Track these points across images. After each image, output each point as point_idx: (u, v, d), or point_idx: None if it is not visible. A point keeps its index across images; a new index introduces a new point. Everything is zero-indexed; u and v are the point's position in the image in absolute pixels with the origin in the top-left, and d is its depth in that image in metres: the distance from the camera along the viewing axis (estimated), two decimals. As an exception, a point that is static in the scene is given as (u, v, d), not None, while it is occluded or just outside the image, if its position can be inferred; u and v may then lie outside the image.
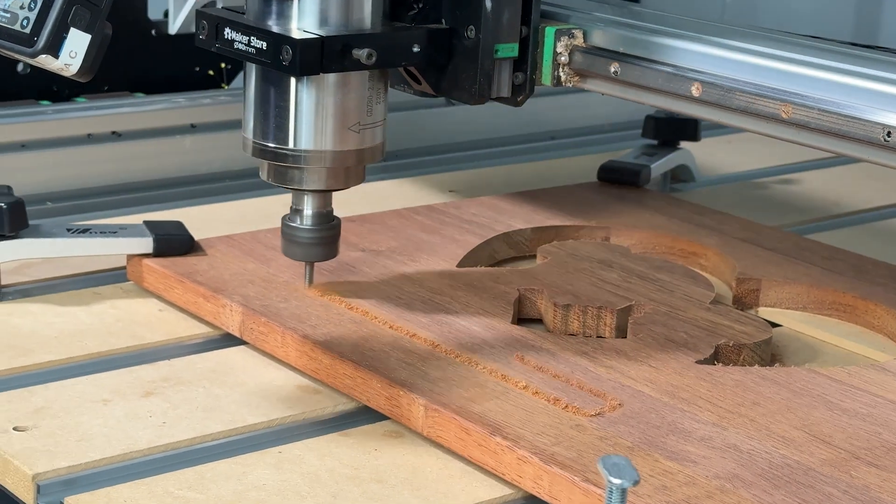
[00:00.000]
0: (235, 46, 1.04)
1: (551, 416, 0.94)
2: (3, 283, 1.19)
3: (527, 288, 1.16)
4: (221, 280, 1.15)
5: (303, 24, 1.02)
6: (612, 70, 1.10)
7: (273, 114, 1.04)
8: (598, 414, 0.95)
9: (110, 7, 0.95)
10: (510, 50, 1.10)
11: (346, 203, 1.19)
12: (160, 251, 1.20)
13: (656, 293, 1.16)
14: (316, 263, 1.13)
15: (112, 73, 1.59)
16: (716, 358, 1.06)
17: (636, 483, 0.69)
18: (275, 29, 1.02)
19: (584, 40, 1.12)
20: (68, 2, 0.93)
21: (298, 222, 1.09)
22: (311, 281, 1.12)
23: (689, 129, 1.53)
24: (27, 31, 0.94)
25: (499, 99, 1.12)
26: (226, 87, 1.63)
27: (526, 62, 1.11)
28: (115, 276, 1.23)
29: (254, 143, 1.05)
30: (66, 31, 0.94)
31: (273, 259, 1.19)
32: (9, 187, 1.19)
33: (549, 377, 1.00)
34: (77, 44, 0.94)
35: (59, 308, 1.16)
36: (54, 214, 1.39)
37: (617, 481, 0.69)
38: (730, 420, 0.95)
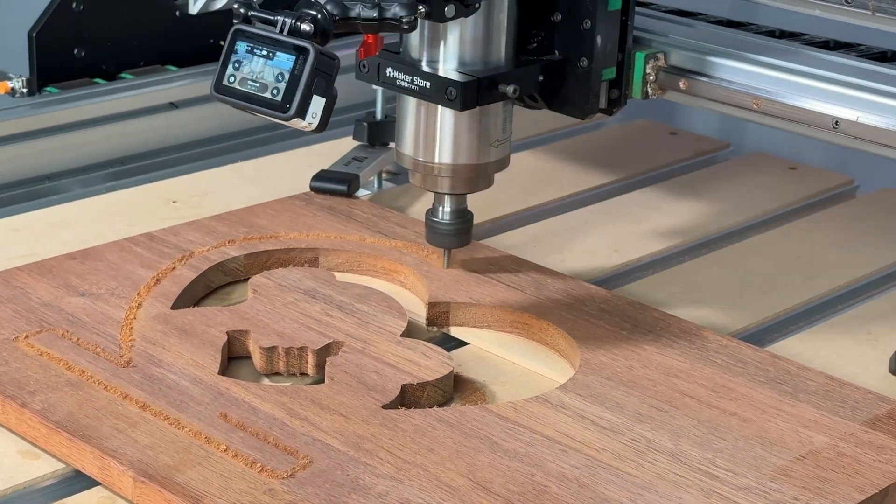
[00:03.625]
0: (398, 83, 1.29)
1: (247, 482, 1.05)
2: None
3: (235, 330, 1.26)
4: (-55, 341, 1.23)
5: (452, 63, 1.28)
6: (682, 85, 1.37)
7: (430, 134, 1.31)
8: (290, 475, 1.06)
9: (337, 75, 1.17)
10: (610, 73, 1.35)
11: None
12: None
13: (353, 327, 1.28)
14: (40, 329, 1.22)
15: (147, 51, 1.90)
16: (402, 397, 1.19)
17: None
18: (426, 69, 1.28)
19: (665, 61, 1.38)
20: (312, 74, 1.14)
21: (441, 217, 1.36)
22: (448, 264, 1.40)
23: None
24: (278, 98, 1.15)
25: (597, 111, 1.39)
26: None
27: (621, 81, 1.36)
28: None
29: (412, 158, 1.33)
30: (310, 98, 1.14)
31: (-5, 312, 1.27)
32: None
33: (249, 435, 1.11)
34: (317, 106, 1.14)
35: None
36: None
37: None
38: (406, 471, 1.07)
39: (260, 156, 1.75)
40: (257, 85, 1.16)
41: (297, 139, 1.80)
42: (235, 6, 1.19)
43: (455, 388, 1.23)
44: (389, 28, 1.20)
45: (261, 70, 1.16)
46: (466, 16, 1.25)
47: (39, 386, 1.16)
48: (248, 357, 1.26)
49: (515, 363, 1.29)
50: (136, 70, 1.87)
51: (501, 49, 1.30)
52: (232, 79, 1.17)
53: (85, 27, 1.82)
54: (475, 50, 1.29)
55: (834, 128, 1.28)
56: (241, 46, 1.17)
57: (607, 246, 1.52)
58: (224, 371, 1.22)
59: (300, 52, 1.14)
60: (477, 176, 1.33)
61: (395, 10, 1.20)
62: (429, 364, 1.22)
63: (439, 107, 1.29)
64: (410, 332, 1.30)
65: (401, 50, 1.31)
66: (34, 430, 1.13)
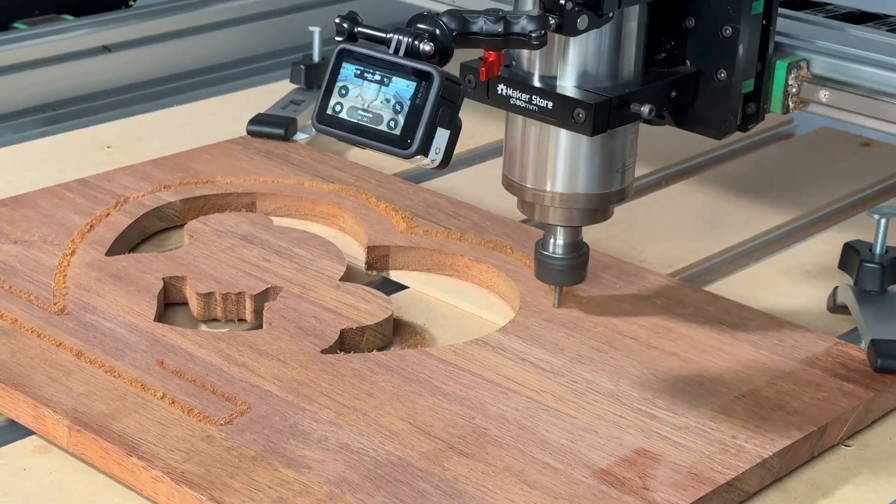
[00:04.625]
0: (512, 103, 1.12)
1: (185, 429, 1.04)
2: None
3: (171, 276, 1.25)
4: None
5: (575, 79, 1.11)
6: (823, 98, 1.20)
7: (543, 157, 1.14)
8: (228, 422, 1.05)
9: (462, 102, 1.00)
10: (749, 86, 1.18)
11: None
12: None
13: (292, 272, 1.26)
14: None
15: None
16: (341, 342, 1.18)
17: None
18: (545, 85, 1.11)
19: (808, 70, 1.21)
20: (437, 105, 0.97)
21: (552, 251, 1.19)
22: (559, 304, 1.22)
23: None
24: (397, 132, 0.98)
25: None
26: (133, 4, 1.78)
27: (760, 93, 1.19)
28: None
29: (520, 185, 1.16)
30: (434, 132, 0.98)
31: (-75, 260, 1.25)
32: None
33: (186, 382, 1.10)
34: (441, 140, 0.98)
35: None
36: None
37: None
38: (345, 416, 1.07)
39: (195, 100, 1.72)
40: (370, 115, 0.99)
41: (234, 83, 1.78)
42: (338, 20, 1.03)
43: (395, 333, 1.22)
44: (516, 44, 1.04)
45: (374, 98, 0.99)
46: (600, 26, 1.09)
47: (-29, 335, 1.15)
48: (185, 304, 1.25)
49: (455, 306, 1.28)
50: (31, 20, 1.79)
51: (631, 62, 1.14)
52: (339, 107, 1.01)
53: None
54: (601, 63, 1.12)
55: None
56: (349, 69, 1.01)
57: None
58: (160, 318, 1.21)
59: (422, 78, 0.98)
60: (599, 207, 1.17)
61: (524, 24, 1.03)
62: (368, 308, 1.21)
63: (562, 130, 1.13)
64: (349, 276, 1.29)
65: (513, 62, 1.14)
66: (-34, 379, 1.11)
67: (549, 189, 1.15)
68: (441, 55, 1.00)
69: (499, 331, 1.20)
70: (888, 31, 1.30)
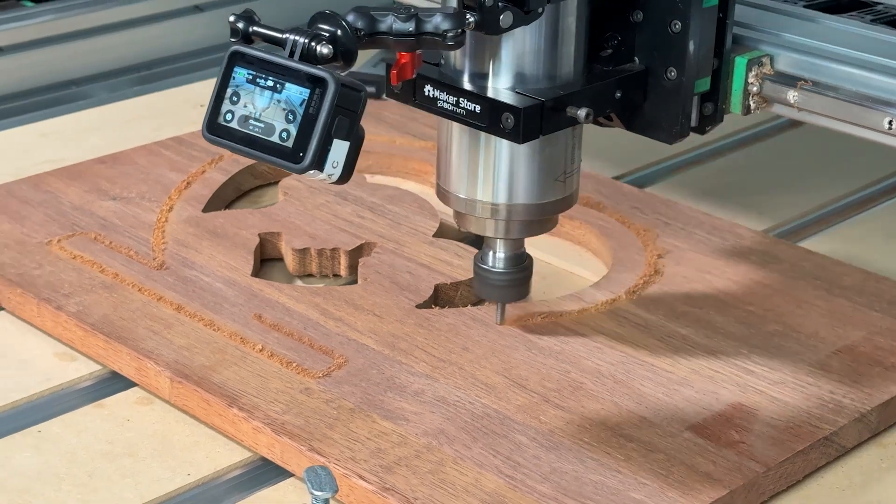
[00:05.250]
0: (439, 105, 1.02)
1: (283, 381, 1.06)
2: None
3: (267, 232, 1.26)
4: (-22, 246, 1.23)
5: (507, 80, 1.01)
6: (791, 99, 1.05)
7: (477, 168, 1.04)
8: (326, 375, 1.07)
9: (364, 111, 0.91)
10: (704, 84, 1.05)
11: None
12: (-82, 217, 1.26)
13: (385, 228, 1.27)
14: (73, 233, 1.21)
15: None
16: (435, 297, 1.18)
17: (335, 493, 0.82)
18: (475, 87, 1.00)
19: (772, 67, 1.06)
20: (332, 114, 0.88)
21: (492, 264, 1.09)
22: (502, 319, 1.13)
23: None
24: (289, 144, 0.88)
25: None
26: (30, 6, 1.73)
27: (717, 93, 1.06)
28: None
29: (455, 196, 1.06)
30: (330, 144, 0.88)
31: (27, 217, 1.27)
32: None
33: (284, 336, 1.11)
34: (338, 153, 0.89)
35: None
36: None
37: (319, 493, 0.81)
38: (441, 370, 1.08)
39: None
40: (262, 125, 0.90)
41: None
42: (232, 19, 0.93)
43: (488, 288, 1.23)
44: (430, 45, 0.95)
45: (266, 106, 0.90)
46: (528, 23, 0.99)
47: (74, 289, 1.17)
48: (280, 259, 1.26)
49: (548, 262, 1.28)
50: None
51: (571, 61, 1.03)
52: (229, 116, 0.91)
53: None
54: (536, 63, 1.01)
55: None
56: (241, 74, 0.91)
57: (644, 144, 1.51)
58: (257, 273, 1.22)
59: (316, 84, 0.88)
60: (538, 218, 1.07)
61: (437, 22, 0.94)
62: (461, 264, 1.22)
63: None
64: (442, 232, 1.29)
65: (442, 61, 1.04)
66: (70, 332, 1.13)
67: (483, 199, 1.05)
68: (344, 58, 0.91)
69: (592, 286, 1.20)
70: (873, 20, 1.14)
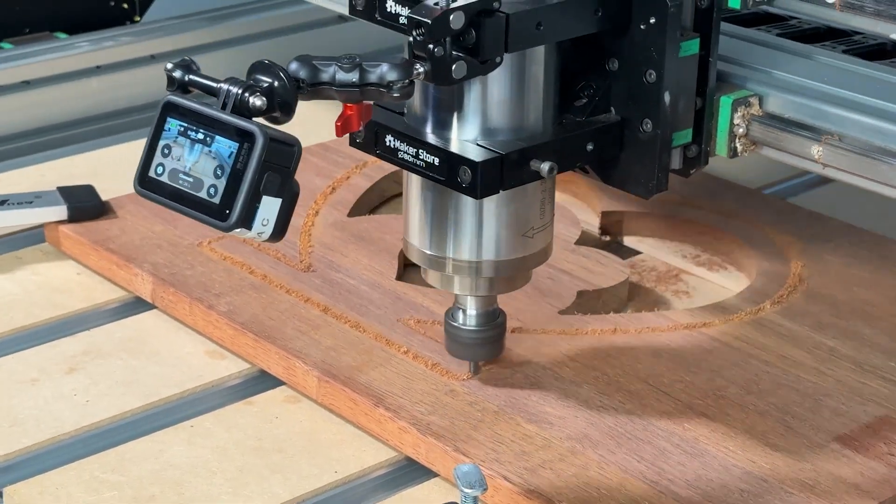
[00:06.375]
0: (400, 156, 0.98)
1: (428, 383, 1.07)
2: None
3: (411, 237, 1.28)
4: (132, 246, 1.26)
5: (471, 131, 0.96)
6: (817, 153, 0.97)
7: (442, 224, 1.00)
8: (470, 377, 1.08)
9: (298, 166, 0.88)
10: (684, 137, 1.00)
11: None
12: (74, 218, 1.30)
13: (528, 235, 1.28)
14: (223, 235, 1.23)
15: (30, 16, 1.67)
16: (578, 304, 1.19)
17: (485, 491, 0.83)
18: (436, 139, 0.96)
19: (760, 107, 1.00)
20: (260, 171, 0.84)
21: (461, 322, 1.05)
22: (476, 372, 1.08)
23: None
24: (216, 201, 0.85)
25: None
26: (138, 20, 1.72)
27: (701, 134, 1.00)
28: (35, 237, 1.33)
29: (419, 251, 1.02)
30: (259, 201, 0.85)
31: (178, 218, 1.30)
32: None
33: (428, 338, 1.13)
34: (268, 210, 0.86)
35: (-16, 278, 1.27)
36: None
37: (469, 491, 0.83)
38: (585, 375, 1.08)
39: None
40: (191, 180, 0.86)
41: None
42: (169, 67, 0.89)
43: (629, 297, 1.23)
44: (376, 95, 0.90)
45: (196, 160, 0.86)
46: (484, 73, 0.93)
47: (224, 289, 1.19)
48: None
49: (690, 272, 1.28)
50: (18, 39, 1.67)
51: (539, 111, 0.97)
52: (160, 169, 0.88)
53: None
54: (500, 114, 0.96)
55: None
56: (173, 125, 0.88)
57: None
58: (400, 277, 1.24)
59: (244, 139, 0.84)
60: (507, 274, 1.02)
61: (383, 72, 0.89)
62: (604, 271, 1.22)
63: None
64: (584, 241, 1.30)
65: (405, 111, 1.00)
66: (220, 331, 1.16)
67: (449, 255, 1.01)
68: (281, 110, 0.87)
69: (736, 296, 1.20)
70: (848, 50, 1.07)
